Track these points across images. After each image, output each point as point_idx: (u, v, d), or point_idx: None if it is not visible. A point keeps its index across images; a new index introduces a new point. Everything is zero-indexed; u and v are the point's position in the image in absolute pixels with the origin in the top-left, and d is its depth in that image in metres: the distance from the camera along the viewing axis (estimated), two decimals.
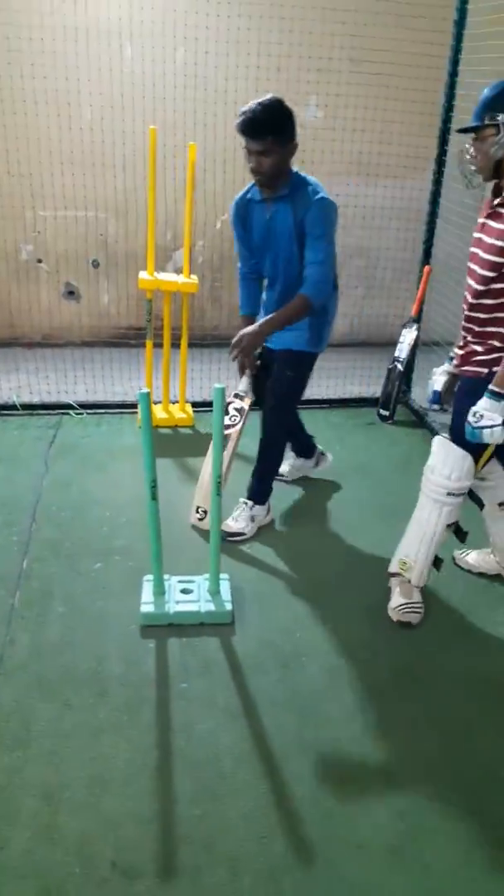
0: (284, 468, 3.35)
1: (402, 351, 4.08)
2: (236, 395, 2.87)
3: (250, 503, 2.95)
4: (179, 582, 2.51)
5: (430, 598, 2.58)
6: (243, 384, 2.86)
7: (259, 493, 2.97)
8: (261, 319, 2.66)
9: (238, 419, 2.84)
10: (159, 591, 2.43)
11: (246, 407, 2.86)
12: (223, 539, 2.80)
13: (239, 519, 2.94)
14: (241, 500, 2.99)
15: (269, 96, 2.44)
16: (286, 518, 3.10)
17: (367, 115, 4.40)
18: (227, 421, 2.54)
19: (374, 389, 4.27)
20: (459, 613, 2.55)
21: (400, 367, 4.06)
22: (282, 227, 2.60)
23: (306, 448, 3.36)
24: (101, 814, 1.75)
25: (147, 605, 2.40)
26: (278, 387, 2.82)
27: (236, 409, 2.86)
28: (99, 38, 4.34)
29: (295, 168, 2.60)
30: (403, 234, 4.55)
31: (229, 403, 2.84)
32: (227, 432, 2.65)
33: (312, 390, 4.26)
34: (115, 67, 4.39)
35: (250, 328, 2.59)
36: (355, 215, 4.63)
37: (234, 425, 2.83)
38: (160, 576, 2.42)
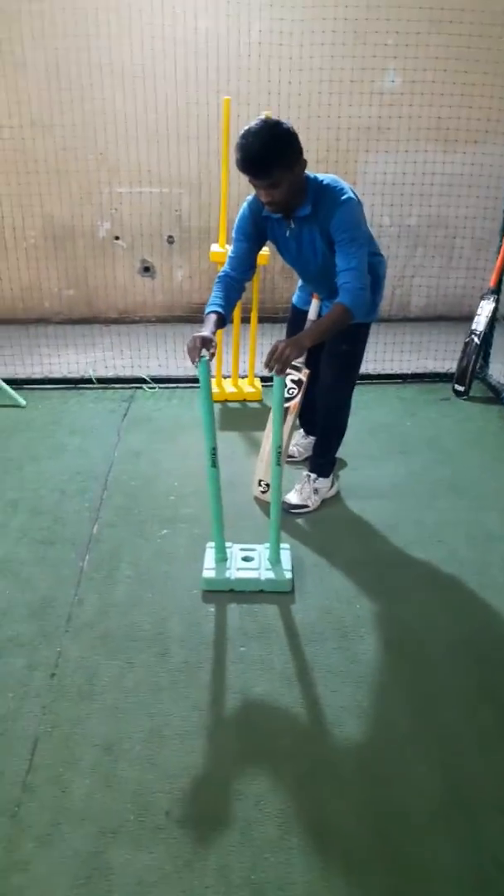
0: (293, 449, 3.24)
1: (480, 324, 3.97)
2: (293, 367, 2.82)
3: (313, 476, 2.94)
4: (241, 550, 2.54)
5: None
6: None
7: (321, 466, 2.95)
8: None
9: (296, 391, 2.82)
10: (221, 557, 2.48)
11: (304, 378, 2.83)
12: (285, 511, 2.84)
13: (302, 491, 2.93)
14: (305, 472, 2.99)
15: (260, 122, 2.24)
16: (352, 490, 3.08)
17: (447, 79, 4.25)
18: (285, 394, 2.51)
19: (451, 365, 4.17)
20: None
21: (476, 340, 3.96)
22: (310, 246, 2.49)
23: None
24: (158, 766, 1.81)
25: (209, 570, 2.45)
26: (335, 361, 2.73)
27: (294, 382, 2.83)
28: (174, 13, 4.35)
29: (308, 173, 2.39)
30: (483, 202, 4.39)
31: (287, 375, 2.79)
32: (286, 405, 2.63)
33: (384, 365, 4.23)
34: (189, 41, 4.39)
35: (291, 339, 2.30)
36: (433, 183, 4.50)
37: (292, 398, 2.81)
38: (222, 542, 2.46)
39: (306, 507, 2.91)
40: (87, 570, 2.55)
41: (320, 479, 2.95)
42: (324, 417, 2.90)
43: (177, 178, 4.78)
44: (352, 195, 2.38)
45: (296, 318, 2.96)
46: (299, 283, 2.97)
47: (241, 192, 4.69)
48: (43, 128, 4.50)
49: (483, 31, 3.99)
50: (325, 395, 2.83)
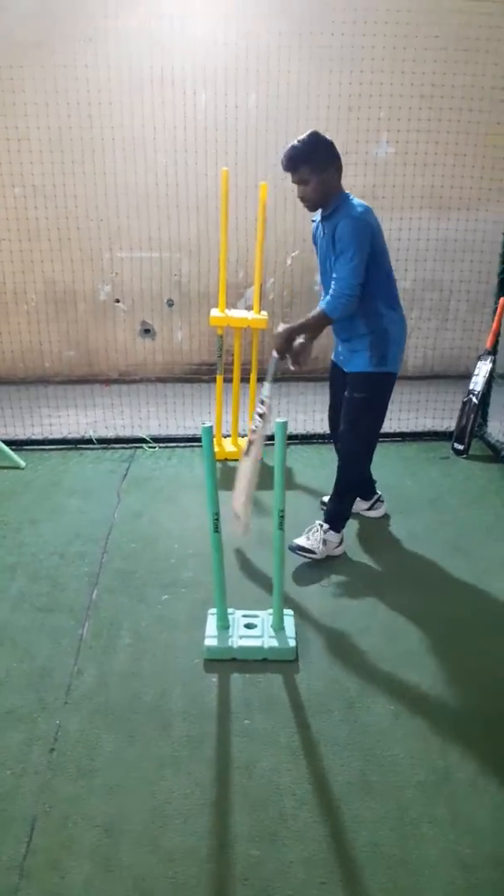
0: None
1: (478, 384, 4.02)
2: (261, 402, 2.82)
3: (325, 526, 2.98)
4: (244, 616, 2.50)
5: None
6: (266, 389, 2.81)
7: (333, 517, 2.99)
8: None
9: (260, 424, 2.81)
10: (223, 624, 2.43)
11: (267, 412, 2.80)
12: (293, 550, 2.90)
13: (311, 537, 2.96)
14: (318, 521, 3.01)
15: (308, 132, 2.63)
16: (355, 550, 3.06)
17: (439, 150, 4.42)
18: (252, 426, 2.57)
19: (449, 423, 4.20)
20: None
21: (475, 399, 3.99)
22: (324, 244, 2.75)
23: (364, 489, 3.30)
24: (160, 849, 1.74)
25: (211, 638, 2.40)
26: (347, 410, 2.88)
27: (259, 415, 2.83)
28: (174, 86, 4.53)
29: (348, 192, 2.70)
30: (478, 266, 4.50)
31: (256, 410, 2.79)
32: (250, 437, 2.66)
33: (385, 423, 4.24)
34: (188, 114, 4.57)
35: (281, 333, 2.72)
36: (428, 248, 4.61)
37: (255, 430, 2.78)
38: (224, 609, 2.42)
39: (313, 553, 2.93)
40: (87, 639, 2.50)
41: (331, 531, 2.97)
42: (339, 465, 3.00)
43: (176, 243, 4.90)
44: (363, 219, 2.59)
45: (333, 372, 3.10)
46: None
47: (239, 259, 4.82)
48: (45, 196, 4.63)
49: (472, 105, 4.16)
50: (342, 442, 2.98)
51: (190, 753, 2.02)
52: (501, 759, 2.02)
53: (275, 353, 2.75)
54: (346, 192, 2.70)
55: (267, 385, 2.76)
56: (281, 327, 2.72)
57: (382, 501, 3.37)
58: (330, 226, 2.67)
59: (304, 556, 2.93)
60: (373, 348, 2.76)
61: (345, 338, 2.86)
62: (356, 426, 2.89)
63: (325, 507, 3.30)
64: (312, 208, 2.73)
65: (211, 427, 2.18)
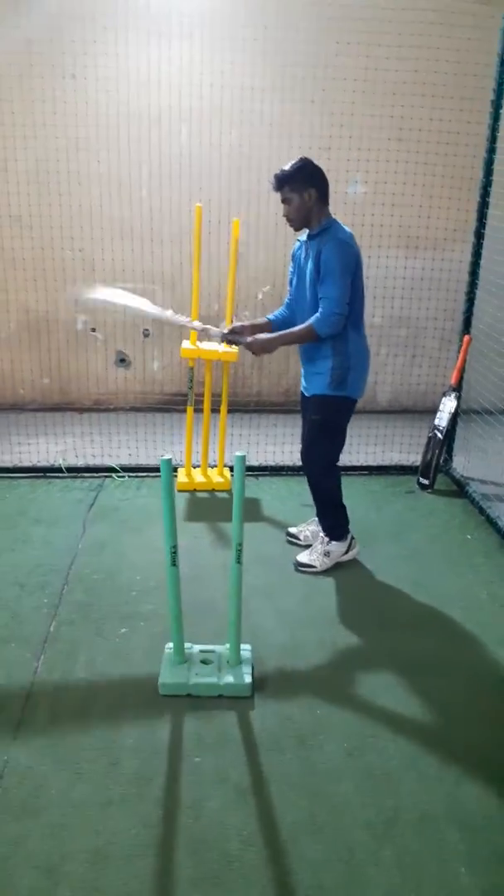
0: (306, 531, 3.36)
1: (443, 419, 4.08)
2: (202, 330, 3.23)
3: (326, 539, 3.11)
4: (200, 652, 2.49)
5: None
6: (199, 326, 3.22)
7: (330, 529, 3.11)
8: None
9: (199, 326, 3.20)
10: (179, 660, 2.42)
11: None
12: (296, 567, 3.09)
13: (313, 552, 3.09)
14: (321, 534, 3.15)
15: (299, 157, 2.85)
16: (316, 586, 3.06)
17: (409, 191, 4.53)
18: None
19: (416, 458, 4.25)
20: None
21: (440, 435, 4.05)
22: (306, 265, 2.88)
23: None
24: (100, 893, 1.71)
25: (166, 674, 2.39)
26: (306, 431, 3.03)
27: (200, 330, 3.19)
28: (151, 123, 4.62)
29: (336, 218, 2.87)
30: (444, 303, 4.59)
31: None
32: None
33: (352, 457, 4.30)
34: (164, 150, 4.66)
35: (264, 337, 2.93)
36: (397, 286, 4.70)
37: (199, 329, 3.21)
38: (181, 644, 2.41)
39: (313, 567, 3.07)
40: (42, 672, 2.47)
41: (333, 542, 3.07)
42: (310, 485, 3.13)
43: (150, 275, 4.95)
44: (349, 243, 2.77)
45: (302, 402, 3.16)
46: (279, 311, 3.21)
47: (211, 293, 4.88)
48: (23, 226, 4.67)
49: (440, 149, 4.28)
50: (303, 461, 3.09)
51: (138, 792, 2.00)
52: (451, 798, 2.01)
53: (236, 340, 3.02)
54: (334, 217, 2.86)
55: (205, 328, 3.14)
56: (268, 338, 2.92)
57: (354, 540, 3.25)
58: (315, 246, 2.81)
59: (307, 572, 3.07)
60: (333, 371, 2.87)
61: (308, 357, 2.96)
62: (313, 447, 3.03)
63: (290, 539, 3.38)
64: (295, 226, 2.88)
65: (169, 460, 2.20)
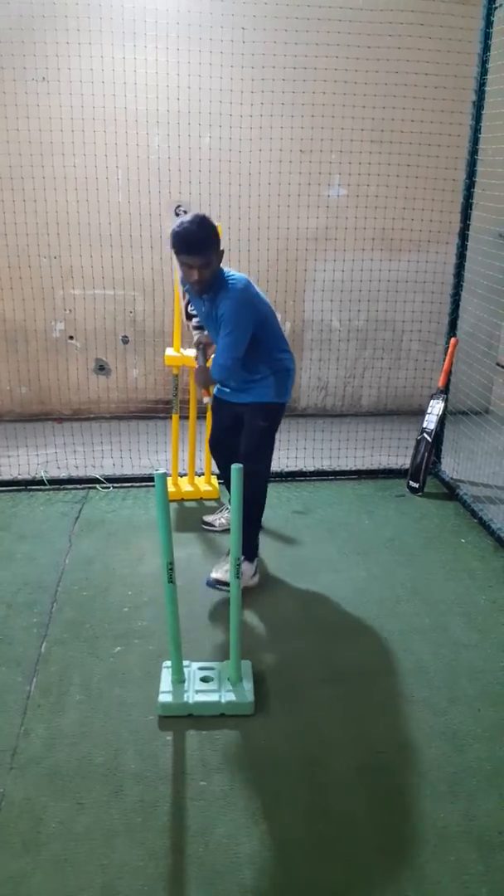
0: (220, 518, 3.52)
1: (431, 422, 4.05)
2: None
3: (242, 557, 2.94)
4: (200, 669, 2.42)
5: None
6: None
7: (245, 547, 2.89)
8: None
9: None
10: (178, 678, 2.34)
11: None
12: (209, 585, 2.99)
13: (220, 570, 2.99)
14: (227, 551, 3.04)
15: (192, 215, 2.64)
16: (314, 596, 3.00)
17: (390, 192, 4.49)
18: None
19: (404, 460, 4.21)
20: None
21: (428, 438, 4.02)
22: (211, 320, 2.85)
23: None
24: None
25: (165, 694, 2.31)
26: (253, 436, 2.98)
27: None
28: (127, 126, 4.53)
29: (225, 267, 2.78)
30: (428, 305, 4.57)
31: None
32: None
33: (340, 461, 4.26)
34: (140, 154, 4.57)
35: (206, 368, 3.04)
36: (380, 288, 4.67)
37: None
38: (179, 663, 2.34)
39: (228, 585, 2.87)
40: (35, 696, 2.38)
41: (245, 562, 2.91)
42: (245, 496, 2.97)
43: (130, 281, 4.86)
44: (244, 295, 2.70)
45: (218, 404, 3.20)
46: None
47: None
48: None
49: (421, 150, 4.26)
50: (245, 465, 2.94)
51: (143, 820, 1.92)
52: (466, 815, 1.96)
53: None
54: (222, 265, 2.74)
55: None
56: (199, 364, 3.09)
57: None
58: (215, 304, 2.74)
59: (221, 589, 2.93)
60: (278, 381, 2.93)
61: (246, 378, 2.94)
62: (259, 450, 3.00)
63: (206, 527, 3.53)
64: (206, 290, 2.72)
65: (165, 474, 2.12)
